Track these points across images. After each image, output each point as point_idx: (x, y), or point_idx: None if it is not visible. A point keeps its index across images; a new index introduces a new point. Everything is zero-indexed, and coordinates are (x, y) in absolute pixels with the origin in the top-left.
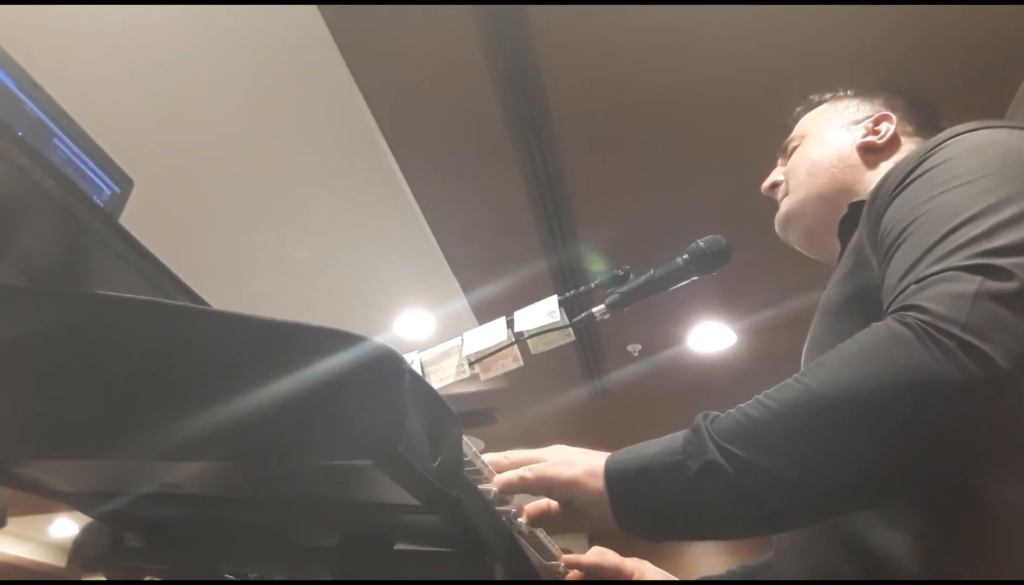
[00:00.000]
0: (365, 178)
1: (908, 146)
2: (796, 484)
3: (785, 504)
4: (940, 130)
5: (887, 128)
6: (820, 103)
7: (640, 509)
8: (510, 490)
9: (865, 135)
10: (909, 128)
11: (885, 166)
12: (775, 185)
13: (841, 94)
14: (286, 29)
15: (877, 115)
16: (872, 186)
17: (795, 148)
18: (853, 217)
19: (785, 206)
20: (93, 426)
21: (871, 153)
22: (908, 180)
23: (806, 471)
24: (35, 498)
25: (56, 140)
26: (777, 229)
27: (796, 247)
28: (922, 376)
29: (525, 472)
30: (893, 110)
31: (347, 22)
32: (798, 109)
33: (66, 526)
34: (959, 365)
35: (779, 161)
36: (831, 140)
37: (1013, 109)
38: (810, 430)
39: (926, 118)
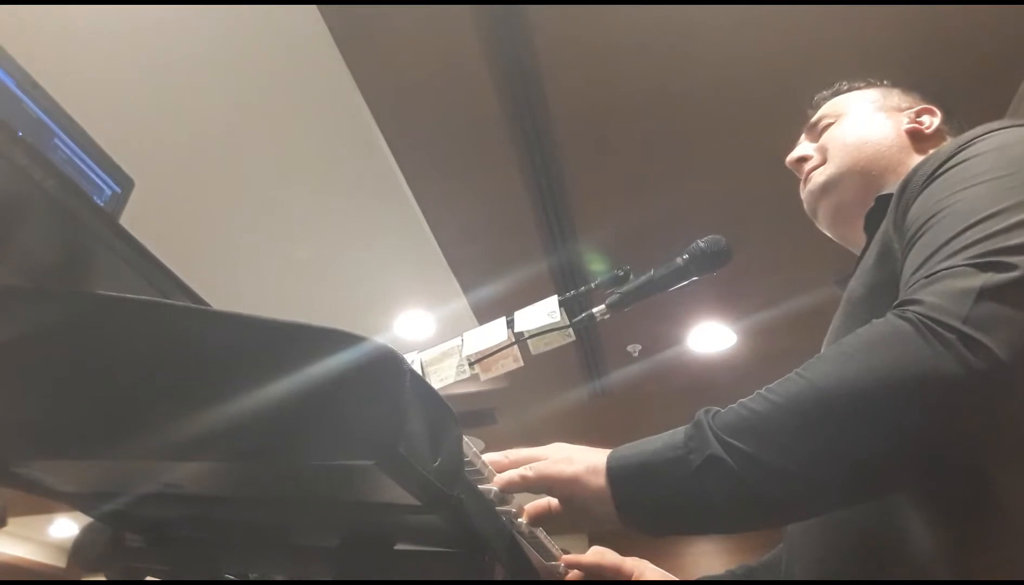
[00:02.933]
0: (365, 178)
1: (944, 140)
2: (798, 477)
3: (787, 497)
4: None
5: (930, 120)
6: (850, 89)
7: (643, 505)
8: (511, 489)
9: (910, 122)
10: (946, 127)
11: (924, 152)
12: (803, 159)
13: (876, 82)
14: (286, 29)
15: (919, 107)
16: (882, 193)
17: (828, 125)
18: (879, 211)
19: (822, 176)
20: (94, 426)
21: (916, 140)
22: (937, 173)
23: (808, 464)
24: (35, 498)
25: (56, 140)
26: (807, 201)
27: (821, 224)
28: (922, 370)
29: (526, 471)
30: (935, 102)
31: (347, 22)
32: (823, 93)
33: (66, 526)
34: (959, 358)
35: (804, 138)
36: (877, 120)
37: (1013, 109)
38: (812, 424)
39: (957, 123)
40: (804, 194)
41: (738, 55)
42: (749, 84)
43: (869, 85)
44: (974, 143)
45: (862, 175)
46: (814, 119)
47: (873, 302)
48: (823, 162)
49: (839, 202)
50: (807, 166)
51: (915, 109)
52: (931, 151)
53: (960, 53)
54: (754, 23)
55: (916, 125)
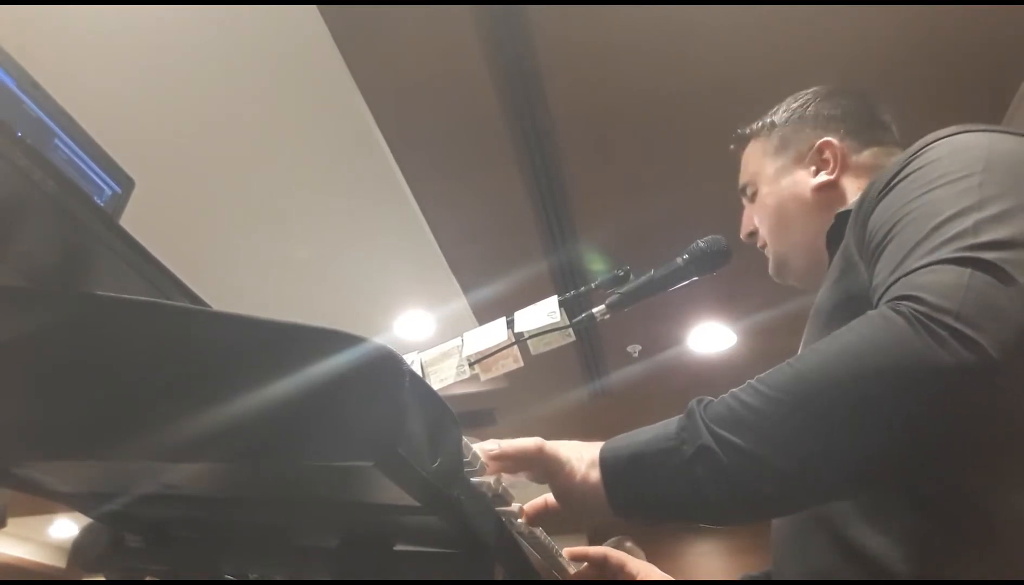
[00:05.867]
0: (365, 178)
1: (862, 160)
2: (788, 469)
3: (776, 489)
4: (884, 121)
5: (832, 157)
6: (750, 137)
7: (634, 494)
8: (507, 457)
9: (816, 173)
10: (854, 143)
11: (845, 192)
12: (752, 234)
13: (770, 122)
14: (286, 29)
15: (819, 143)
16: (842, 209)
17: (754, 193)
18: (839, 226)
19: (772, 258)
20: (93, 427)
21: (829, 188)
22: (892, 183)
23: (798, 457)
24: (35, 498)
25: (57, 140)
26: (775, 277)
27: (800, 287)
28: (915, 363)
29: (525, 441)
30: (826, 128)
31: (347, 22)
32: (732, 146)
33: (66, 526)
34: (952, 353)
35: (744, 202)
36: (787, 187)
37: (1012, 111)
38: (802, 416)
39: (866, 121)
40: (769, 269)
41: (737, 56)
42: (749, 84)
43: (765, 131)
44: (925, 151)
45: (800, 246)
46: (742, 184)
47: (840, 316)
48: (766, 241)
49: (797, 273)
50: (758, 241)
51: (815, 148)
52: (849, 179)
53: (960, 53)
54: (753, 23)
55: (823, 174)
